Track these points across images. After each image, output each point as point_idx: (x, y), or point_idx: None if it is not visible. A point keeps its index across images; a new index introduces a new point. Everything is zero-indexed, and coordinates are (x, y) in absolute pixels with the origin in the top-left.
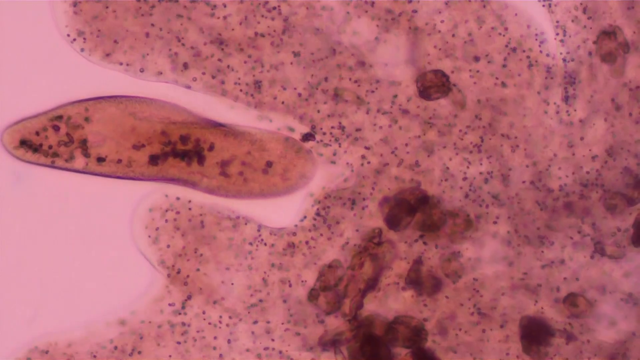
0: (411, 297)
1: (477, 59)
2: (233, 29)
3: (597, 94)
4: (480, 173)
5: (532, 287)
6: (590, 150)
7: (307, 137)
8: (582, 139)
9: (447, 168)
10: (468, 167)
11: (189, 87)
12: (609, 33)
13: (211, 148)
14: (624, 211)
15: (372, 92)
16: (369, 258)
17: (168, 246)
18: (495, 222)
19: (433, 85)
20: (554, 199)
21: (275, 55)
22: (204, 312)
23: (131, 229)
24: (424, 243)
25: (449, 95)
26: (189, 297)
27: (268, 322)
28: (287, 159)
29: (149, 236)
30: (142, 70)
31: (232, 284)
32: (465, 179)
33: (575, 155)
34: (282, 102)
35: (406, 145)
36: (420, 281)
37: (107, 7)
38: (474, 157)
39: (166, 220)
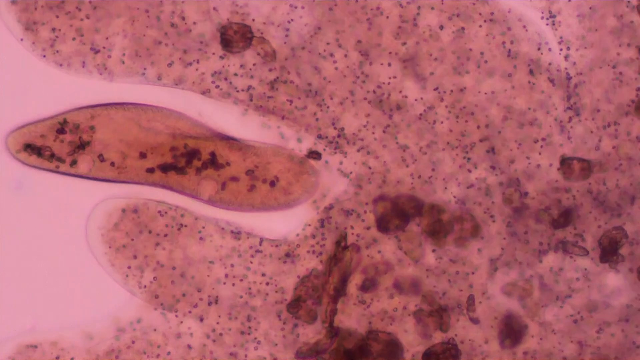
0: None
1: (479, 65)
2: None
3: (600, 105)
4: (478, 178)
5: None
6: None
7: (312, 154)
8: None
9: (448, 172)
10: (469, 172)
11: (204, 93)
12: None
13: (215, 159)
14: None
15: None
16: (335, 263)
17: (161, 263)
18: (493, 221)
19: (235, 35)
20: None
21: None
22: (200, 320)
23: (125, 234)
24: (433, 251)
25: (256, 45)
26: (182, 302)
27: (266, 335)
28: (291, 174)
29: (132, 254)
30: (159, 78)
31: (226, 289)
32: (469, 182)
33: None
34: (283, 118)
35: (407, 149)
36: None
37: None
38: (473, 160)
39: (167, 226)
